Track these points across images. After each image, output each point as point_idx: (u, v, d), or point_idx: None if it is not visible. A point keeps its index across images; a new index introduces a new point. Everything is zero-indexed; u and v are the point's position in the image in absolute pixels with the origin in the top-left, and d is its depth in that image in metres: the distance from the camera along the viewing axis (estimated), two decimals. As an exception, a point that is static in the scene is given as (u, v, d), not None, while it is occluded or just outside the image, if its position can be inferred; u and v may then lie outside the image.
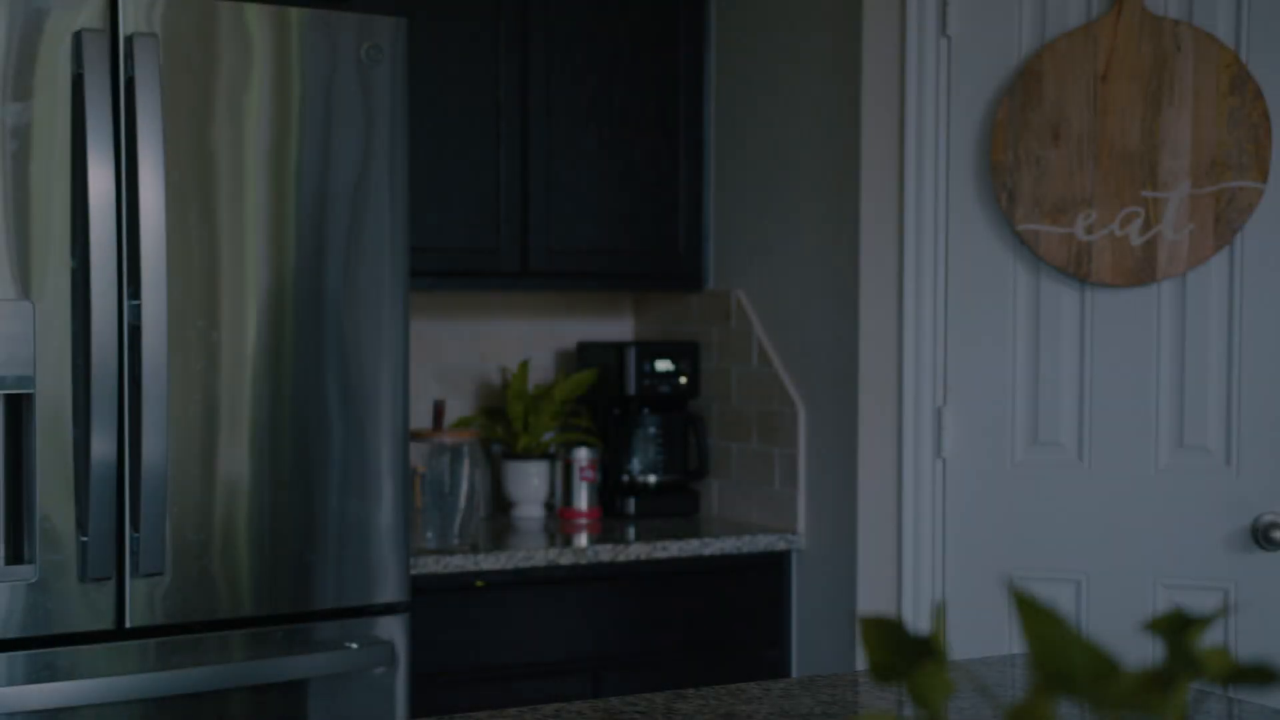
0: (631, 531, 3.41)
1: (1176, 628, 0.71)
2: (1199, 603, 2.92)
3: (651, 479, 3.65)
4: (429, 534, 3.16)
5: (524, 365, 3.63)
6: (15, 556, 2.43)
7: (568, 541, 3.25)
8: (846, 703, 1.87)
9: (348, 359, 2.65)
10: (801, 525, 3.36)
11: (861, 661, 3.13)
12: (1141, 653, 2.83)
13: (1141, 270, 2.93)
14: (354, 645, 2.65)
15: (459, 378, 3.75)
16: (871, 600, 3.14)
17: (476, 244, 3.40)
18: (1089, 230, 2.95)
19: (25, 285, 2.40)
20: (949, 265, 3.09)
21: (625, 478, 3.64)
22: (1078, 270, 2.96)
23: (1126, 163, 2.93)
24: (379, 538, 2.69)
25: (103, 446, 2.41)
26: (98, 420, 2.41)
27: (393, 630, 2.71)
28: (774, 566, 3.36)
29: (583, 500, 3.57)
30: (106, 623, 2.47)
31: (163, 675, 2.50)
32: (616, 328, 3.93)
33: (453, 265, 3.39)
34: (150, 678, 2.49)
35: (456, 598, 3.09)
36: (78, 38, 2.41)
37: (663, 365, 3.61)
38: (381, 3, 3.07)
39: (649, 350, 3.61)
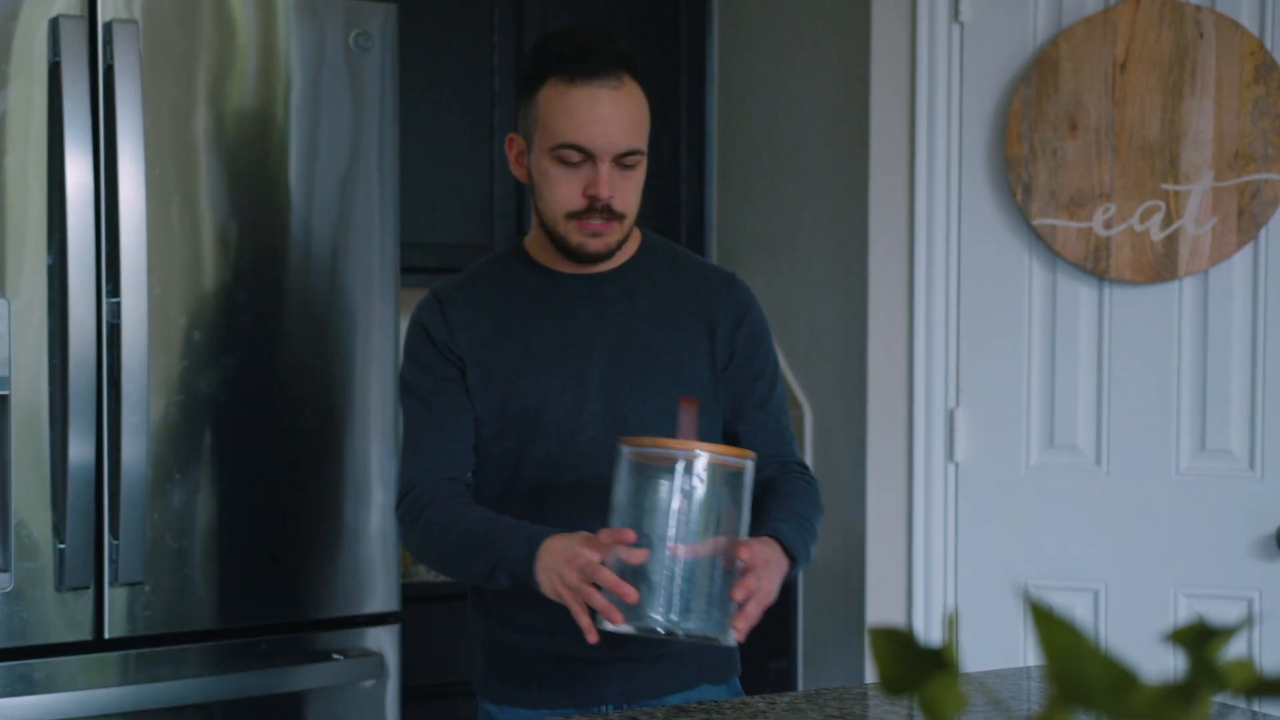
0: (631, 538, 3.40)
1: (1198, 639, 0.71)
2: (1221, 612, 2.92)
3: (652, 484, 3.63)
4: (655, 613, 1.88)
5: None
6: (-10, 564, 2.43)
7: (565, 549, 3.25)
8: (855, 716, 1.87)
9: (336, 359, 2.65)
10: (808, 532, 3.36)
11: (871, 674, 3.13)
12: (1162, 664, 2.83)
13: (1162, 267, 2.93)
14: (342, 657, 2.65)
15: (451, 378, 3.75)
16: (881, 610, 3.14)
17: (470, 239, 3.41)
18: (1107, 225, 2.95)
19: (0, 282, 2.40)
20: (961, 261, 3.09)
21: (625, 482, 3.62)
22: (1096, 266, 2.96)
23: (1146, 154, 2.93)
24: (368, 545, 2.69)
25: (81, 450, 2.41)
26: (76, 423, 2.41)
27: (383, 641, 2.71)
28: (779, 575, 3.36)
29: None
30: (85, 633, 2.47)
31: (143, 688, 2.50)
32: (615, 326, 3.92)
33: (445, 261, 3.39)
34: (130, 690, 2.49)
35: (449, 607, 3.09)
36: (54, 24, 2.40)
37: (664, 365, 3.60)
38: (371, -12, 3.08)
39: (649, 350, 3.60)
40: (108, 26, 2.43)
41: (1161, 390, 2.96)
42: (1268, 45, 2.89)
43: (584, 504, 2.09)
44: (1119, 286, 2.98)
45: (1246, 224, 2.88)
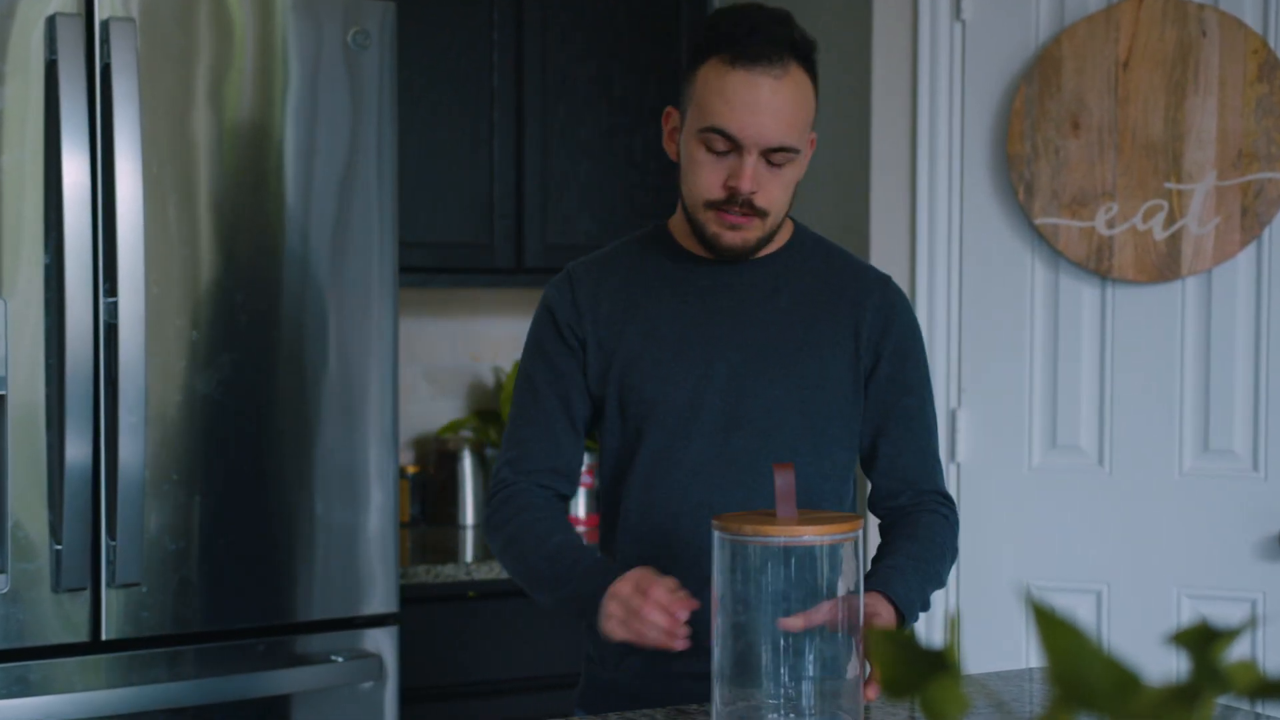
0: (631, 539, 3.40)
1: (1201, 640, 0.71)
2: (1225, 614, 2.92)
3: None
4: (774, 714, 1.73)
5: (518, 365, 3.63)
6: (-14, 566, 2.43)
7: (564, 550, 3.25)
8: (856, 719, 1.86)
9: (334, 359, 2.65)
10: (809, 533, 3.36)
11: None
12: (1165, 666, 2.83)
13: (1165, 266, 2.93)
14: (340, 659, 2.65)
15: (450, 378, 3.75)
16: (882, 611, 3.14)
17: (469, 238, 3.40)
18: (1110, 224, 2.95)
19: (-4, 282, 2.40)
20: (963, 261, 3.09)
21: (625, 483, 3.61)
22: (1098, 266, 2.96)
23: (1149, 153, 2.93)
24: (367, 546, 2.69)
25: (77, 450, 2.41)
26: (72, 423, 2.40)
27: (381, 643, 2.71)
28: (780, 576, 3.36)
29: (580, 507, 3.57)
30: (81, 635, 2.47)
31: (140, 690, 2.50)
32: (615, 326, 3.92)
33: (444, 261, 3.39)
34: (127, 692, 2.49)
35: (448, 609, 3.09)
36: (51, 22, 2.40)
37: (664, 365, 3.59)
38: (369, -14, 3.07)
39: (649, 350, 3.59)
40: (105, 24, 2.43)
41: (1164, 391, 2.96)
42: (1271, 44, 2.89)
43: (693, 499, 2.01)
44: (1122, 286, 2.98)
45: (1250, 223, 2.88)
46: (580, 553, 1.96)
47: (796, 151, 1.95)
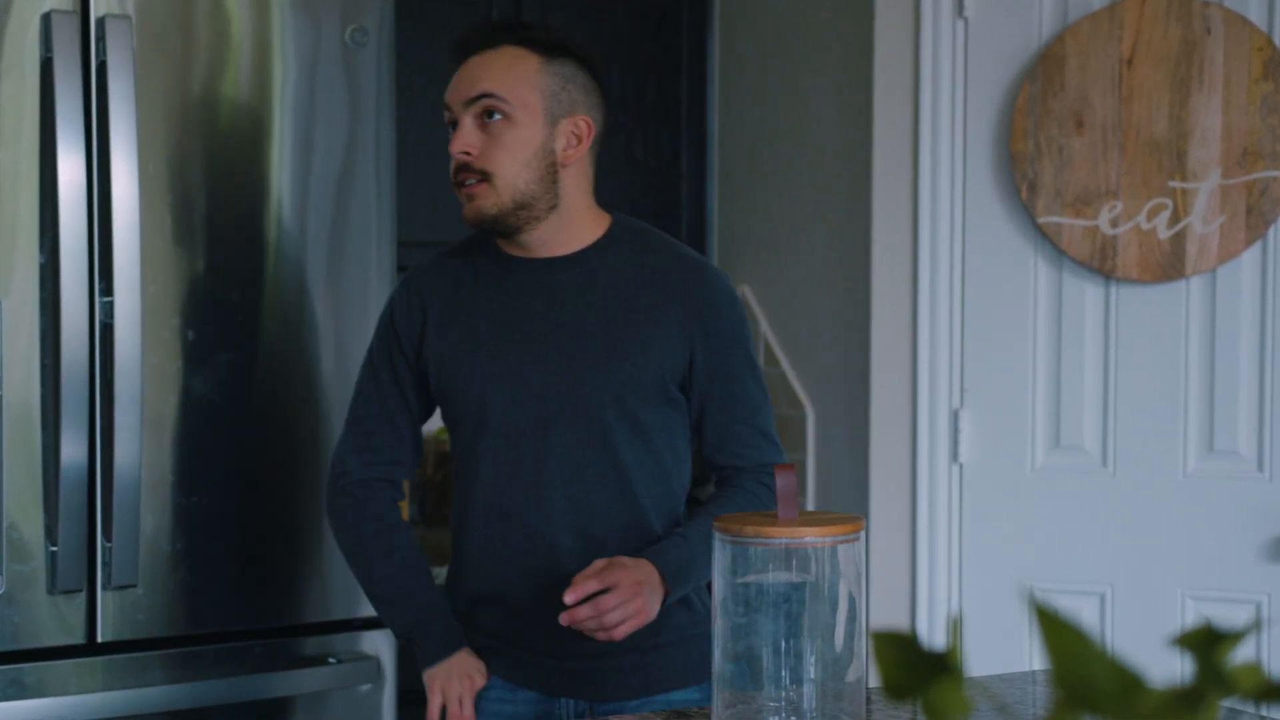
0: (631, 541, 3.40)
1: (1206, 642, 0.70)
2: (1230, 616, 2.91)
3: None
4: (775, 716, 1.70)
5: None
6: (-19, 567, 2.43)
7: (564, 551, 3.24)
8: (858, 721, 1.86)
9: (332, 359, 2.65)
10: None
11: (874, 678, 3.13)
12: (1169, 669, 2.83)
13: (1169, 265, 2.92)
14: (338, 661, 2.65)
15: (449, 379, 3.75)
16: (884, 613, 3.14)
17: (467, 238, 3.40)
18: (1114, 223, 2.95)
19: (-9, 281, 2.40)
20: (966, 260, 3.09)
21: (624, 484, 3.61)
22: (1102, 265, 2.96)
23: (1153, 152, 2.93)
24: (365, 547, 2.68)
25: (73, 451, 2.41)
26: (68, 423, 2.40)
27: (379, 645, 2.71)
28: (781, 578, 3.35)
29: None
30: (77, 637, 2.47)
31: (136, 692, 2.49)
32: (615, 326, 3.92)
33: (443, 260, 3.39)
34: (123, 695, 2.48)
35: (446, 611, 3.09)
36: (47, 19, 2.40)
37: (664, 365, 3.59)
38: (367, -17, 3.07)
39: (649, 350, 3.59)
40: (100, 22, 2.43)
41: (1168, 390, 2.96)
42: (1276, 41, 2.88)
43: (518, 495, 2.10)
44: (1125, 285, 2.98)
45: (1255, 222, 2.88)
46: (410, 591, 2.16)
47: (502, 102, 2.05)
